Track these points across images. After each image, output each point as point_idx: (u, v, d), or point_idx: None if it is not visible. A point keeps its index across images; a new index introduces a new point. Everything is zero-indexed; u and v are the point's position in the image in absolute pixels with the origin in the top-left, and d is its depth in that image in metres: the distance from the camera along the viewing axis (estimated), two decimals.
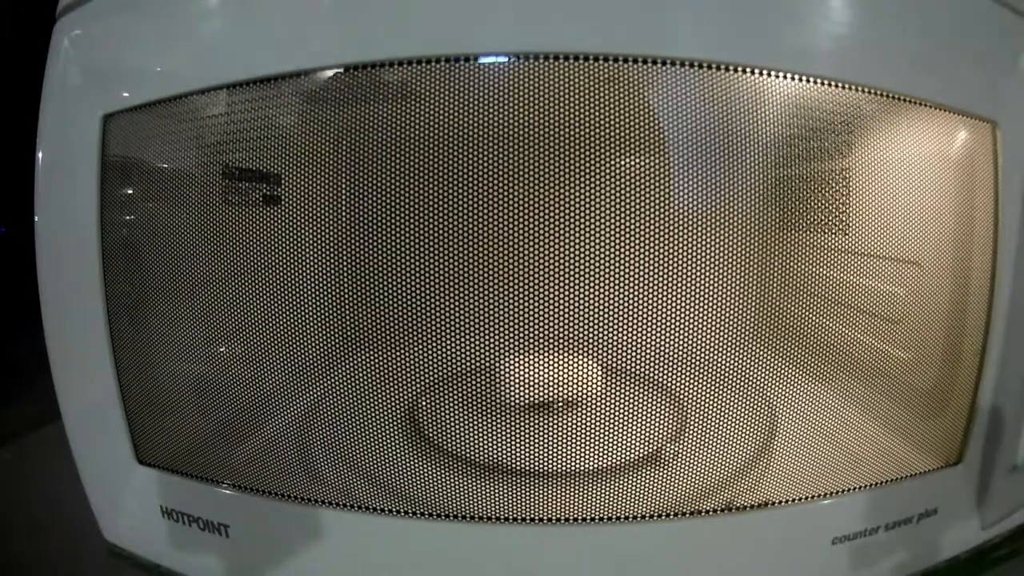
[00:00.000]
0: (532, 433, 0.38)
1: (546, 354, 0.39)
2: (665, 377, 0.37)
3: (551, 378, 0.40)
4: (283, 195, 0.40)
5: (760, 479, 0.40)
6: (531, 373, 0.39)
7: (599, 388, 0.40)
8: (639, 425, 0.39)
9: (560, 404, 0.40)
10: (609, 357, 0.38)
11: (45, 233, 0.41)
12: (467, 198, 0.35)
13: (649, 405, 0.38)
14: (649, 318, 0.36)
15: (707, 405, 0.39)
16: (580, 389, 0.40)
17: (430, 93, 0.35)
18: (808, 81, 0.35)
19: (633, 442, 0.38)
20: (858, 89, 0.36)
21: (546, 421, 0.38)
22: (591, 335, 0.37)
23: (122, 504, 0.44)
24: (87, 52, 0.40)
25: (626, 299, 0.36)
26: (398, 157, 0.37)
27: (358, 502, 0.39)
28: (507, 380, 0.39)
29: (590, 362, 0.40)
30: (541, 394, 0.40)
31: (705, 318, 0.37)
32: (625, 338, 0.37)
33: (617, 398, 0.39)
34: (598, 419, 0.39)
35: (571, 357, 0.40)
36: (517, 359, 0.39)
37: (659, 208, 0.36)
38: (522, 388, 0.39)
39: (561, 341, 0.37)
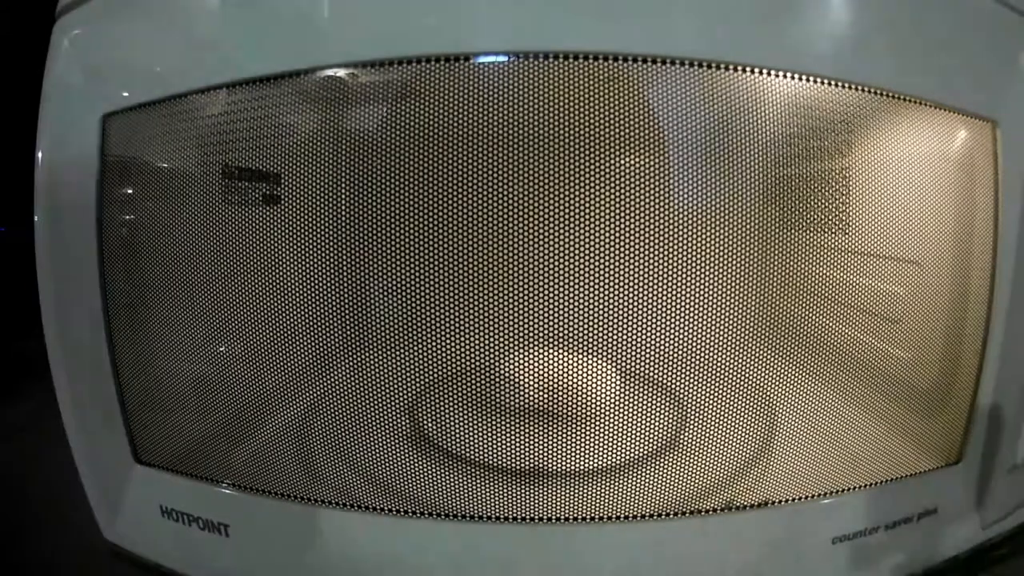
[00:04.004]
0: (532, 433, 0.38)
1: (547, 354, 0.38)
2: (665, 376, 0.37)
3: (551, 378, 0.40)
4: (283, 195, 0.40)
5: (760, 479, 0.40)
6: (531, 373, 0.39)
7: (600, 388, 0.40)
8: (639, 424, 0.39)
9: (560, 404, 0.40)
10: (610, 357, 0.38)
11: (45, 233, 0.41)
12: (468, 197, 0.35)
13: (649, 404, 0.38)
14: (650, 317, 0.36)
15: (707, 404, 0.39)
16: (580, 389, 0.40)
17: (431, 92, 0.35)
18: (808, 80, 0.35)
19: (633, 441, 0.38)
20: (858, 88, 0.36)
21: (546, 421, 0.38)
22: (592, 335, 0.37)
23: (122, 504, 0.44)
24: (87, 52, 0.40)
25: (627, 299, 0.36)
26: (399, 156, 0.37)
27: (358, 502, 0.39)
28: (507, 380, 0.39)
29: (591, 362, 0.40)
30: (541, 394, 0.40)
31: (705, 317, 0.37)
32: (626, 337, 0.37)
33: (617, 398, 0.39)
34: (598, 418, 0.39)
35: (572, 357, 0.40)
36: (517, 359, 0.39)
37: (659, 207, 0.36)
38: (522, 388, 0.39)
39: (562, 341, 0.37)
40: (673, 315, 0.36)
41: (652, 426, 0.39)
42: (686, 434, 0.39)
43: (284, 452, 0.42)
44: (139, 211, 0.42)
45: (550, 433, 0.38)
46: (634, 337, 0.37)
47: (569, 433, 0.38)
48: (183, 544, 0.43)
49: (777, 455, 0.41)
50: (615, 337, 0.37)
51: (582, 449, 0.38)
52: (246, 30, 0.37)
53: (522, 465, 0.39)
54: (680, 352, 0.37)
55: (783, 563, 0.41)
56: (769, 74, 0.35)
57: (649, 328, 0.37)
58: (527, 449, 0.38)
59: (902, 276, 0.42)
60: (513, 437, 0.38)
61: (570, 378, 0.39)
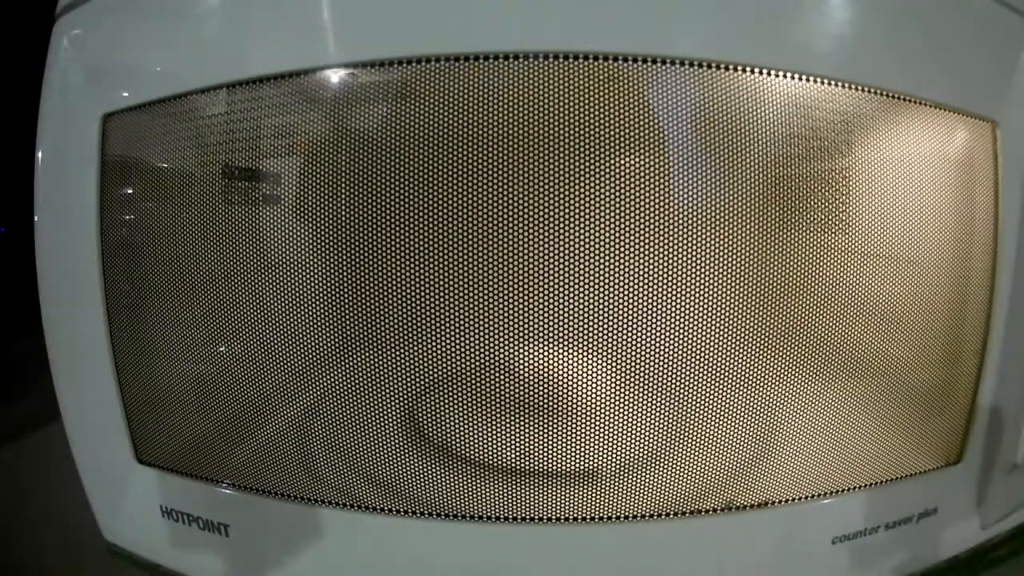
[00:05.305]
0: (532, 433, 0.38)
1: (547, 354, 0.38)
2: (665, 376, 0.37)
3: (552, 378, 0.40)
4: (283, 195, 0.40)
5: (760, 479, 0.40)
6: (531, 373, 0.39)
7: (600, 388, 0.40)
8: (639, 424, 0.39)
9: (560, 404, 0.40)
10: (610, 357, 0.38)
11: (45, 233, 0.41)
12: (468, 198, 0.35)
13: (649, 404, 0.38)
14: (650, 317, 0.36)
15: (707, 404, 0.39)
16: (580, 389, 0.40)
17: (431, 92, 0.35)
18: (808, 80, 0.35)
19: (633, 441, 0.38)
20: (858, 88, 0.36)
21: (546, 421, 0.38)
22: (592, 335, 0.37)
23: (122, 504, 0.44)
24: (87, 52, 0.40)
25: (627, 298, 0.36)
26: (399, 156, 0.37)
27: (358, 502, 0.39)
28: (507, 380, 0.39)
29: (591, 362, 0.40)
30: (541, 394, 0.40)
31: (705, 317, 0.37)
32: (626, 337, 0.37)
33: (617, 397, 0.39)
34: (598, 418, 0.39)
35: (572, 357, 0.40)
36: (517, 359, 0.39)
37: (659, 207, 0.36)
38: (522, 388, 0.39)
39: (563, 341, 0.37)
40: (673, 315, 0.36)
41: (652, 426, 0.39)
42: (686, 434, 0.39)
43: (284, 452, 0.42)
44: (139, 211, 0.42)
45: (550, 433, 0.38)
46: (634, 337, 0.37)
47: (569, 433, 0.38)
48: (183, 544, 0.43)
49: (777, 455, 0.41)
50: (615, 337, 0.37)
51: (582, 449, 0.38)
52: (246, 30, 0.37)
53: (522, 465, 0.39)
54: (680, 352, 0.37)
55: (783, 563, 0.41)
56: (769, 74, 0.35)
57: (649, 328, 0.37)
58: (527, 449, 0.38)
59: (902, 276, 0.42)
60: (513, 437, 0.38)
61: (570, 378, 0.39)
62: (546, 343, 0.38)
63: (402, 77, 0.35)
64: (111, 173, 0.40)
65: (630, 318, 0.36)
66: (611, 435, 0.38)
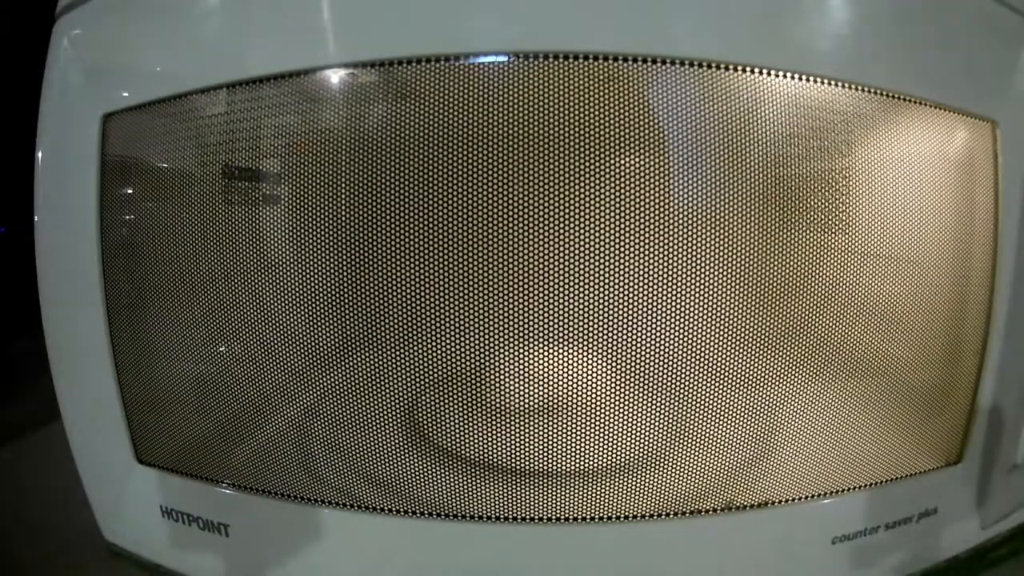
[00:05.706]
0: (532, 433, 0.38)
1: (547, 354, 0.38)
2: (665, 376, 0.37)
3: (551, 378, 0.40)
4: (283, 195, 0.40)
5: (760, 479, 0.40)
6: (531, 373, 0.39)
7: (599, 388, 0.40)
8: (639, 424, 0.39)
9: (560, 404, 0.40)
10: (610, 357, 0.38)
11: (45, 233, 0.41)
12: (468, 197, 0.35)
13: (649, 404, 0.38)
14: (649, 317, 0.36)
15: (707, 404, 0.39)
16: (580, 389, 0.40)
17: (431, 92, 0.35)
18: (808, 80, 0.35)
19: (633, 441, 0.38)
20: (858, 88, 0.36)
21: (546, 421, 0.38)
22: (592, 335, 0.37)
23: (122, 504, 0.44)
24: (87, 52, 0.40)
25: (627, 299, 0.36)
26: (399, 156, 0.37)
27: (358, 502, 0.39)
28: (507, 380, 0.39)
29: (591, 362, 0.40)
30: (541, 394, 0.40)
31: (705, 317, 0.37)
32: (625, 337, 0.37)
33: (617, 397, 0.39)
34: (598, 418, 0.39)
35: (572, 357, 0.40)
36: (517, 359, 0.39)
37: (659, 207, 0.36)
38: (522, 388, 0.39)
39: (563, 341, 0.37)
40: (673, 315, 0.36)
41: (652, 426, 0.39)
42: (686, 434, 0.39)
43: (284, 452, 0.42)
44: (139, 211, 0.42)
45: (550, 433, 0.38)
46: (634, 336, 0.37)
47: (569, 433, 0.38)
48: (183, 544, 0.43)
49: (777, 455, 0.41)
50: (615, 336, 0.37)
51: (582, 449, 0.38)
52: (246, 30, 0.37)
53: (522, 465, 0.39)
54: (680, 352, 0.37)
55: (783, 563, 0.41)
56: (769, 74, 0.35)
57: (649, 328, 0.37)
58: (527, 449, 0.38)
59: (902, 276, 0.42)
60: (513, 437, 0.38)
61: (570, 378, 0.39)
62: (546, 343, 0.38)
63: (402, 77, 0.35)
64: (111, 173, 0.40)
65: (630, 318, 0.36)
66: (611, 435, 0.38)
